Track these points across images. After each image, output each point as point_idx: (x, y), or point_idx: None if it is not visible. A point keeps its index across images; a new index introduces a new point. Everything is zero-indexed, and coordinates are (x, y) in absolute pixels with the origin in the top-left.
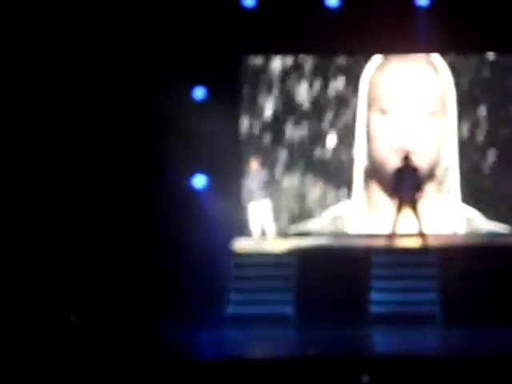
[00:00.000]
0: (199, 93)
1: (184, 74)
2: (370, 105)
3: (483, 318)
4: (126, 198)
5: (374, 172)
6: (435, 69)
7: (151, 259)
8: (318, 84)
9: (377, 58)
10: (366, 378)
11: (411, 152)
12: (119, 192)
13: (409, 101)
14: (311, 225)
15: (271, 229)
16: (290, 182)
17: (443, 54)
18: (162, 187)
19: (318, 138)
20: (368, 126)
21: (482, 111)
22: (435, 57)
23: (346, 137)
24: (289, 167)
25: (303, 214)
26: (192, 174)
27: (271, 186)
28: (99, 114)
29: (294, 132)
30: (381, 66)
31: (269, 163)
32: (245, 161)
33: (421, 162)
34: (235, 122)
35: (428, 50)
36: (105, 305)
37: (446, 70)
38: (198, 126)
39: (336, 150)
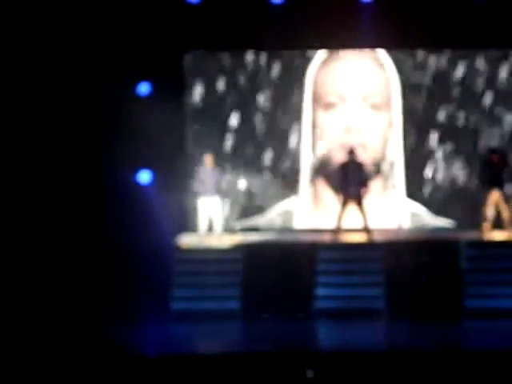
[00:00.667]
0: (144, 88)
1: (129, 69)
2: (314, 101)
3: (428, 312)
4: (70, 193)
5: (321, 167)
6: (380, 64)
7: (95, 255)
8: (264, 79)
9: (321, 54)
10: (311, 373)
11: (356, 147)
12: (63, 187)
13: (353, 96)
14: (258, 220)
15: (219, 224)
16: (239, 178)
17: (388, 49)
18: (107, 182)
19: (265, 133)
20: (313, 122)
21: (428, 105)
22: (380, 52)
23: (293, 133)
24: (237, 163)
25: (251, 209)
26: (137, 169)
27: (221, 182)
28: (43, 109)
29: (242, 127)
30: (325, 62)
31: (218, 159)
32: (191, 156)
33: (366, 156)
34: (180, 117)
35: (373, 46)
36: (48, 301)
37: (391, 66)
38: (143, 121)
39: (283, 145)
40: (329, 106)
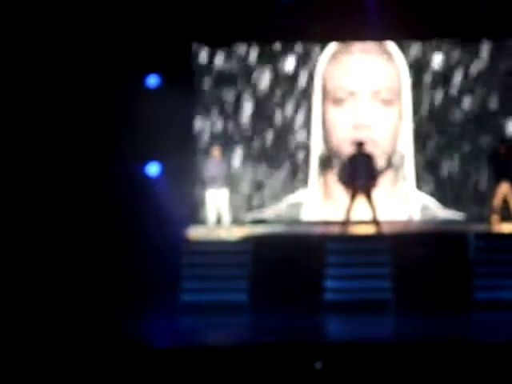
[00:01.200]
0: (153, 80)
1: (138, 62)
2: (324, 95)
3: (437, 305)
4: (80, 186)
5: (330, 160)
6: (390, 56)
7: (105, 248)
8: (273, 73)
9: (330, 48)
10: (319, 365)
11: (366, 140)
12: (73, 180)
13: (363, 91)
14: (267, 212)
15: (227, 216)
16: (247, 170)
17: (397, 41)
18: (117, 175)
19: (274, 126)
20: (323, 117)
21: (438, 99)
22: (390, 45)
23: (303, 126)
24: (246, 156)
25: (260, 201)
26: (146, 161)
27: (229, 174)
28: (52, 103)
29: (252, 121)
30: (334, 56)
31: (226, 152)
32: (199, 149)
33: (376, 150)
34: (189, 110)
35: (381, 38)
36: (59, 294)
37: (400, 58)
38: (152, 113)
39: (293, 138)
40: (338, 101)
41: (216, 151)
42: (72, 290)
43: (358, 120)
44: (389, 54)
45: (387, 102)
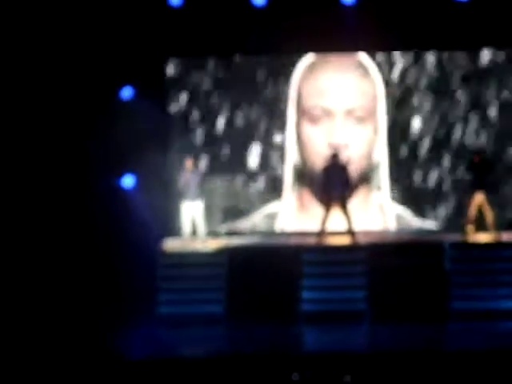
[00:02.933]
0: (127, 92)
1: (112, 74)
2: (299, 111)
3: (412, 315)
4: (54, 198)
5: (305, 171)
6: (365, 71)
7: (80, 259)
8: (249, 83)
9: (306, 62)
10: (296, 376)
11: (340, 151)
12: (48, 192)
13: (338, 110)
14: (243, 224)
15: (203, 228)
16: (222, 182)
17: (371, 52)
18: (91, 187)
19: (249, 137)
20: (298, 132)
21: (413, 108)
22: (364, 57)
23: (278, 138)
24: (221, 167)
25: (235, 213)
26: (121, 174)
27: (204, 185)
28: (25, 115)
29: (227, 132)
30: (310, 71)
31: (200, 163)
32: (174, 161)
33: (353, 168)
34: (163, 122)
35: (356, 49)
36: (34, 304)
37: (374, 70)
38: (126, 125)
39: (267, 149)
40: (314, 119)
41: (189, 163)
42: (48, 301)
43: (334, 140)
44: (364, 69)
45: (362, 120)
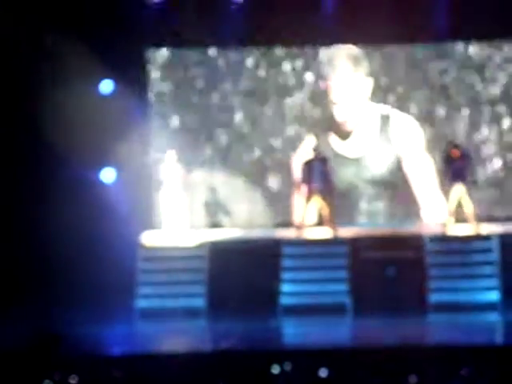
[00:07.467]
0: (106, 86)
1: (91, 67)
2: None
3: (393, 307)
4: (34, 191)
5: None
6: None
7: (60, 253)
8: (229, 78)
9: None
10: (276, 369)
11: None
12: (28, 185)
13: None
14: (223, 217)
15: (183, 222)
16: (204, 175)
17: (354, 44)
18: (71, 181)
19: (229, 130)
20: None
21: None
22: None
23: (258, 130)
24: (202, 160)
25: (215, 206)
26: (101, 167)
27: (186, 179)
28: (6, 110)
29: (207, 125)
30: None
31: (183, 157)
32: (154, 154)
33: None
34: (143, 115)
35: (338, 41)
36: (12, 296)
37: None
38: (106, 119)
39: (249, 143)
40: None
41: (171, 156)
42: (26, 295)
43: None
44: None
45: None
